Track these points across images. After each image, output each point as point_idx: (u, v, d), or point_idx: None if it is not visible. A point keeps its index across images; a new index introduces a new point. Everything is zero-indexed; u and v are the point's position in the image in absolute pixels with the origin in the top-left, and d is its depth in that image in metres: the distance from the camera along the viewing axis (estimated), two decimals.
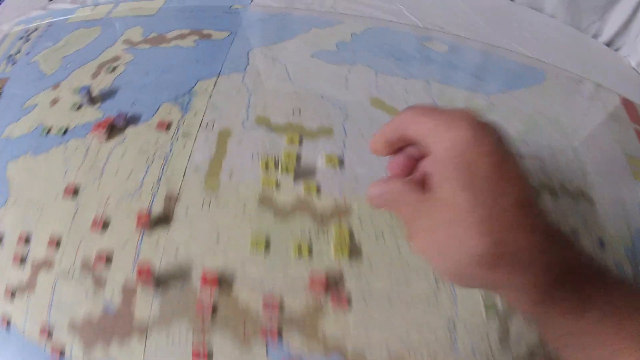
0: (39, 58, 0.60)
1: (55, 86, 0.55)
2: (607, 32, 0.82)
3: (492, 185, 0.22)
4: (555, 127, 0.56)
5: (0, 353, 0.39)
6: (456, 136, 0.23)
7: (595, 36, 0.83)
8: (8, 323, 0.39)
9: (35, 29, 0.67)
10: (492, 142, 0.22)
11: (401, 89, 0.51)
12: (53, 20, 0.69)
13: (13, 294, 0.40)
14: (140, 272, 0.36)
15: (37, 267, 0.41)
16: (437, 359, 0.34)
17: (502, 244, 0.21)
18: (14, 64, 0.62)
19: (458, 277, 0.23)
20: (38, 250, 0.41)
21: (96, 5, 0.70)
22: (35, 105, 0.53)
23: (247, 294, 0.36)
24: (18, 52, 0.64)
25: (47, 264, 0.41)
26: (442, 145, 0.24)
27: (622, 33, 0.81)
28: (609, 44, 0.83)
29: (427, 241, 0.24)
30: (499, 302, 0.38)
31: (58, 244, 0.41)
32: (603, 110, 0.63)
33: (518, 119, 0.54)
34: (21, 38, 0.66)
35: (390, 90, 0.50)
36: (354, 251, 0.39)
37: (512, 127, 0.52)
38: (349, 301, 0.36)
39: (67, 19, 0.68)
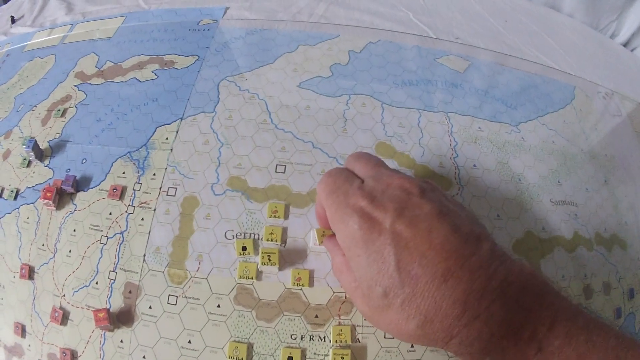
0: None
1: (8, 134, 0.47)
2: (625, 33, 0.77)
3: (404, 271, 0.23)
4: (590, 160, 0.48)
5: None
6: (350, 233, 0.25)
7: (612, 36, 0.78)
8: None
9: None
10: (388, 232, 0.24)
11: (415, 127, 0.41)
12: (12, 48, 0.60)
13: None
14: None
15: (10, 353, 0.38)
16: None
17: (429, 324, 0.23)
18: None
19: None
20: (7, 336, 0.38)
21: (53, 27, 0.60)
22: None
23: None
24: None
25: (17, 352, 0.37)
26: (343, 242, 0.26)
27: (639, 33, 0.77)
28: (625, 44, 0.78)
29: (374, 322, 0.27)
30: None
31: (23, 332, 0.37)
32: (630, 127, 0.56)
33: (552, 156, 0.45)
34: None
35: (402, 130, 0.41)
36: (358, 354, 0.31)
37: (547, 167, 0.43)
38: None
39: (25, 46, 0.59)
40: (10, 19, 0.68)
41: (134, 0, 0.61)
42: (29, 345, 0.37)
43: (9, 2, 0.76)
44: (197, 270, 0.33)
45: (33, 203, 0.41)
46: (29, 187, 0.42)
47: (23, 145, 0.44)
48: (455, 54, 0.50)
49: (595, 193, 0.45)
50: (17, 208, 0.41)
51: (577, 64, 0.59)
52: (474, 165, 0.40)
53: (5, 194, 0.43)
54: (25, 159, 0.44)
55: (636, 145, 0.55)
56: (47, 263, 0.38)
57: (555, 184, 0.43)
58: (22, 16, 0.69)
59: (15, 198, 0.42)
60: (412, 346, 0.31)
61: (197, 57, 0.47)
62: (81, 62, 0.51)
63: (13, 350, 0.38)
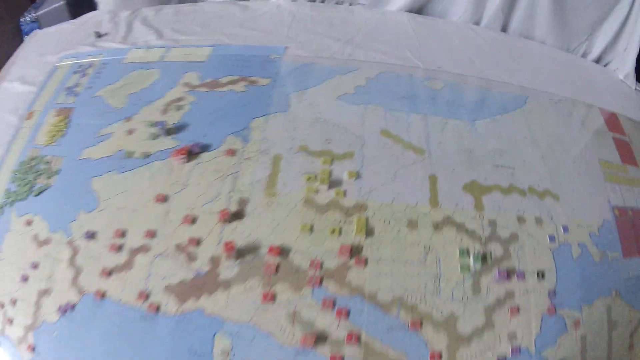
0: (103, 93, 0.81)
1: (128, 119, 0.75)
2: (596, 50, 0.98)
3: None
4: (531, 144, 0.77)
5: (94, 318, 0.56)
6: None
7: (584, 55, 1.01)
8: (103, 295, 0.57)
9: (89, 65, 0.87)
10: None
11: (404, 122, 0.75)
12: (107, 58, 0.88)
13: (110, 274, 0.59)
14: (226, 245, 0.59)
15: (134, 252, 0.59)
16: (426, 300, 0.57)
17: None
18: (76, 95, 0.81)
19: None
20: (135, 240, 0.60)
21: (148, 48, 0.90)
22: (111, 134, 0.74)
23: (299, 259, 0.59)
24: (77, 85, 0.83)
25: (143, 249, 0.60)
26: None
27: (611, 48, 0.98)
28: (598, 60, 1.00)
29: None
30: (472, 265, 0.60)
31: (154, 235, 0.61)
32: (579, 124, 0.84)
33: (497, 140, 0.75)
34: (76, 72, 0.86)
35: (396, 123, 0.75)
36: (369, 232, 0.62)
37: (491, 145, 0.74)
38: (365, 262, 0.59)
39: (122, 59, 0.88)
40: (95, 34, 0.94)
41: (217, 35, 0.94)
42: (157, 243, 0.60)
43: (80, 18, 1.01)
44: (283, 190, 0.65)
45: (164, 159, 0.69)
46: (160, 150, 0.70)
47: (150, 125, 0.71)
48: (435, 78, 0.84)
49: (532, 163, 0.73)
50: (150, 162, 0.69)
51: (538, 78, 0.89)
52: (440, 142, 0.73)
53: (137, 154, 0.69)
54: (152, 134, 0.71)
55: (580, 133, 0.83)
56: (179, 192, 0.66)
57: (498, 155, 0.73)
58: (107, 33, 0.94)
59: (147, 157, 0.69)
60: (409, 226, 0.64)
61: (271, 79, 0.82)
62: (186, 75, 0.83)
63: (139, 249, 0.60)
